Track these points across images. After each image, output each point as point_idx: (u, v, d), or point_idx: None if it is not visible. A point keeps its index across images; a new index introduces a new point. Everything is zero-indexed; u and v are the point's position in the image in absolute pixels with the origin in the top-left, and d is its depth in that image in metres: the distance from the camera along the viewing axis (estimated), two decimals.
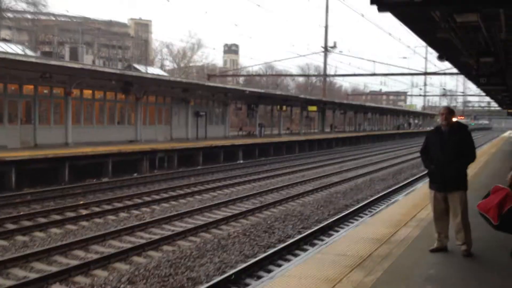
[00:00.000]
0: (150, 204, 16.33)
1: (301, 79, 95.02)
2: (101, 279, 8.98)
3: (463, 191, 7.16)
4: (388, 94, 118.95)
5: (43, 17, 64.74)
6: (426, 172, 7.96)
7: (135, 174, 23.60)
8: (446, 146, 7.07)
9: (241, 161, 31.84)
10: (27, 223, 13.15)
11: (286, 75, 78.60)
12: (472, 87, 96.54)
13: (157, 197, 17.72)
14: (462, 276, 6.47)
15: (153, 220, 13.63)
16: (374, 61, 45.26)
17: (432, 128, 8.45)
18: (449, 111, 7.27)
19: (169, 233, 12.34)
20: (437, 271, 6.57)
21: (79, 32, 52.02)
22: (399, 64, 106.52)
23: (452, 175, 7.07)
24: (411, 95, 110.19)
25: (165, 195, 18.06)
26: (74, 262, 9.83)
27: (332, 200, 17.99)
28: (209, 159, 29.66)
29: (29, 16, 61.60)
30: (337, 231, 12.67)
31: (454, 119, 7.35)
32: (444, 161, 7.06)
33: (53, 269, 9.43)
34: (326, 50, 58.06)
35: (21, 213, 14.14)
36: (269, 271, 9.40)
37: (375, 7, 7.29)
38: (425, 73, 51.04)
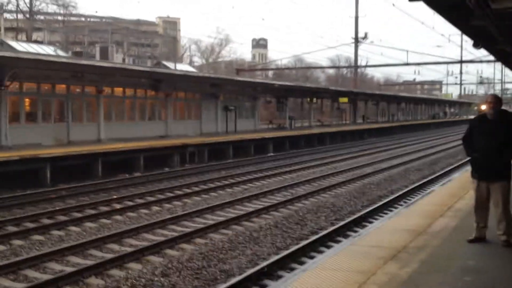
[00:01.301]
0: (181, 198, 16.42)
1: (331, 71, 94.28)
2: (136, 272, 9.04)
3: (507, 181, 6.97)
4: (422, 83, 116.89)
5: (73, 19, 65.82)
6: (465, 160, 7.83)
7: (166, 169, 23.78)
8: (492, 135, 6.88)
9: (272, 154, 31.78)
10: (62, 218, 13.37)
11: (315, 68, 78.07)
12: (509, 74, 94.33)
13: (188, 190, 17.80)
14: (502, 267, 6.29)
15: (185, 213, 13.69)
16: (407, 51, 44.37)
17: (474, 116, 8.26)
18: (497, 100, 7.08)
19: (201, 226, 12.36)
20: (476, 262, 6.40)
21: (108, 32, 52.67)
22: (433, 53, 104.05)
23: (497, 164, 6.89)
24: (447, 84, 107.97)
25: (196, 189, 18.13)
26: (109, 256, 9.93)
27: (366, 191, 17.77)
28: (240, 152, 29.69)
29: (60, 18, 62.70)
30: (371, 223, 12.51)
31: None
32: (490, 150, 6.87)
33: (89, 262, 9.54)
34: (356, 41, 57.44)
35: (57, 208, 14.38)
36: (302, 263, 9.32)
37: None
38: (461, 61, 49.93)
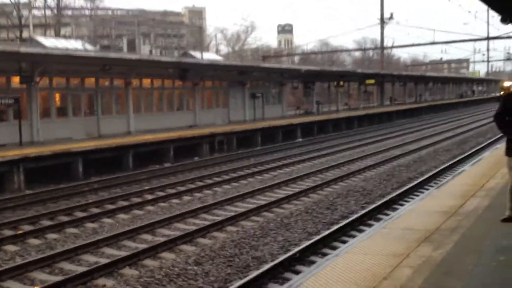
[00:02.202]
0: (212, 187, 16.53)
1: (357, 53, 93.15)
2: (169, 262, 9.17)
3: None
4: (449, 62, 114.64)
5: (100, 12, 66.43)
6: (495, 138, 7.61)
7: (196, 158, 23.95)
8: None
9: (300, 140, 31.69)
10: (96, 210, 13.59)
11: (341, 51, 77.25)
12: None
13: (218, 179, 17.90)
14: None
15: (216, 202, 13.79)
16: (433, 30, 43.31)
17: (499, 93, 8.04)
18: None
19: (232, 214, 12.45)
20: (510, 241, 6.30)
21: (135, 24, 52.90)
22: (460, 30, 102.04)
23: None
24: (474, 62, 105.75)
25: (226, 177, 18.23)
26: (142, 246, 10.07)
27: (395, 173, 17.61)
28: (268, 139, 29.67)
29: (87, 12, 63.34)
30: (401, 205, 12.39)
31: None
32: None
33: (123, 253, 9.70)
34: (382, 21, 56.54)
35: (90, 201, 14.64)
36: (334, 248, 9.32)
37: None
38: (488, 38, 48.58)
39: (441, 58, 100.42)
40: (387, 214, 11.53)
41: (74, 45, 33.63)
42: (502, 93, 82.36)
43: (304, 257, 8.95)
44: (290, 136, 31.82)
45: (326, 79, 45.51)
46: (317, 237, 9.88)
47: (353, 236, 9.94)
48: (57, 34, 51.69)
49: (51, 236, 11.31)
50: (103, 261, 9.24)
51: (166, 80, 28.72)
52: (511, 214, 7.02)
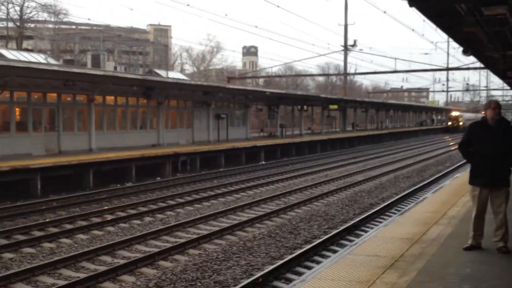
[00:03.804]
0: (174, 208, 16.30)
1: (321, 78, 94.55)
2: (129, 285, 8.94)
3: (508, 187, 7.00)
4: (409, 90, 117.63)
5: (64, 26, 65.41)
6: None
7: (158, 178, 23.63)
8: (497, 141, 6.90)
9: (263, 162, 31.73)
10: (53, 230, 13.18)
11: (305, 75, 78.24)
12: (495, 81, 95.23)
13: (181, 200, 17.69)
14: (500, 274, 6.27)
15: (178, 224, 13.58)
16: (395, 58, 43.95)
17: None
18: (500, 106, 7.13)
19: (195, 236, 12.26)
20: (473, 269, 6.37)
21: (100, 40, 52.32)
22: (421, 60, 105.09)
23: (502, 170, 6.92)
24: (433, 91, 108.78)
25: (189, 198, 18.03)
26: (102, 268, 9.79)
27: (357, 199, 17.77)
28: (231, 161, 29.61)
29: (50, 26, 62.32)
30: (364, 231, 12.49)
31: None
32: (495, 156, 6.87)
33: (81, 275, 9.40)
34: (346, 48, 57.60)
35: (47, 220, 14.20)
36: (297, 273, 9.28)
37: (404, 3, 7.23)
38: (448, 69, 50.00)
39: (402, 86, 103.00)
40: (350, 240, 11.59)
41: (37, 58, 32.96)
42: (449, 123, 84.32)
43: (267, 282, 8.85)
44: (253, 158, 31.84)
45: (290, 103, 45.93)
46: (280, 262, 9.80)
47: (317, 262, 9.93)
48: (19, 47, 50.63)
49: (7, 255, 10.88)
50: (61, 283, 8.93)
51: (130, 98, 28.35)
52: (474, 242, 7.14)
